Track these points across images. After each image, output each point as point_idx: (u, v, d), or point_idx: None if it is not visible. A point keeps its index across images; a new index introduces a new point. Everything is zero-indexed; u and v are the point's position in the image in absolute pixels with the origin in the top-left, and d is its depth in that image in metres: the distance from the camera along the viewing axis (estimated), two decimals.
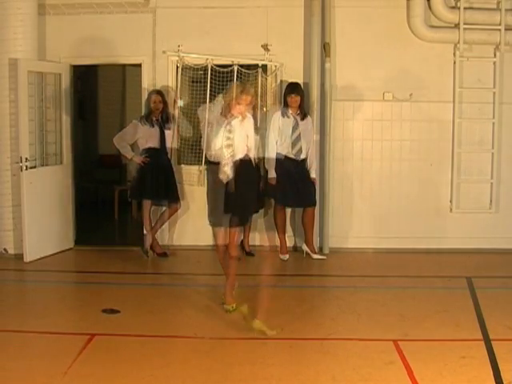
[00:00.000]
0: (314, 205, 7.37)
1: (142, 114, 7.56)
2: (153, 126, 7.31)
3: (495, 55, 7.62)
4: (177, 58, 7.62)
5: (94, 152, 10.97)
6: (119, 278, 6.64)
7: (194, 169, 7.59)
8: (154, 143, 7.34)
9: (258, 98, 7.53)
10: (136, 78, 8.57)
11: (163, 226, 7.62)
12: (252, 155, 5.54)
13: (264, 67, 7.64)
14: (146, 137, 7.35)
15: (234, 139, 5.33)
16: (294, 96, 7.19)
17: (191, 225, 7.75)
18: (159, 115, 7.35)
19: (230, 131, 5.34)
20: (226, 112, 5.44)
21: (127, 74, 10.73)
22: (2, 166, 7.25)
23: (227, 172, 5.33)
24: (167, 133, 7.37)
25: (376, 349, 4.67)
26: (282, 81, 7.66)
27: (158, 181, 7.29)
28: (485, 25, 7.53)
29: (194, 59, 7.61)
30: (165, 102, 7.42)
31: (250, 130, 5.53)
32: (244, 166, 5.41)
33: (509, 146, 7.77)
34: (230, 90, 5.51)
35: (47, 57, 7.64)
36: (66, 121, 7.66)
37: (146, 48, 7.71)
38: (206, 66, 7.54)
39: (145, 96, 7.75)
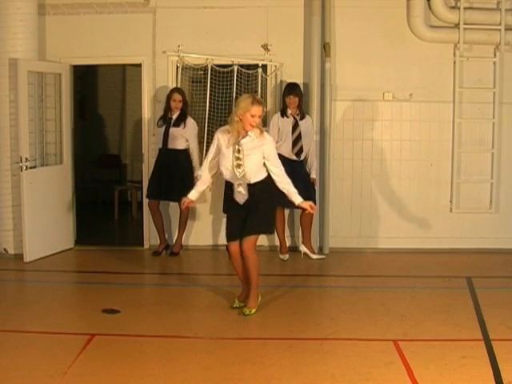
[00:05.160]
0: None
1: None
2: (162, 126, 7.32)
3: (495, 55, 7.62)
4: (177, 58, 7.62)
5: (94, 152, 10.97)
6: (119, 278, 6.63)
7: None
8: (159, 143, 7.36)
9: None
10: (136, 78, 8.59)
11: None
12: (281, 180, 5.36)
13: (264, 67, 7.64)
14: (157, 137, 7.41)
15: (243, 159, 5.24)
16: (293, 97, 7.19)
17: (191, 225, 7.74)
18: (177, 115, 7.27)
19: (239, 151, 5.25)
20: (239, 128, 5.26)
21: (127, 74, 10.73)
22: (2, 166, 7.24)
23: (242, 192, 5.32)
24: (178, 131, 7.27)
25: (376, 349, 4.67)
26: (281, 81, 7.66)
27: (160, 181, 7.28)
28: (485, 25, 7.53)
29: (194, 59, 7.61)
30: (185, 102, 7.32)
31: (267, 151, 5.31)
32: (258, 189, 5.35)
33: (509, 145, 7.77)
34: (239, 104, 5.29)
35: (47, 57, 7.63)
36: (66, 121, 7.65)
37: (146, 48, 7.70)
38: (206, 65, 7.56)
39: (145, 96, 7.76)
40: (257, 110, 5.22)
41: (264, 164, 5.37)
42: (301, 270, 7.09)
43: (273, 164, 5.37)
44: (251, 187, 5.33)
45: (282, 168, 5.43)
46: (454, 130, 7.71)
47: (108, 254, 7.55)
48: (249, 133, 5.29)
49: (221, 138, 5.36)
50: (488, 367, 4.30)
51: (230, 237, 5.48)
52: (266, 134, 5.43)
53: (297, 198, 5.43)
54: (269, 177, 5.43)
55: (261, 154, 5.30)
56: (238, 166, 5.26)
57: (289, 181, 5.41)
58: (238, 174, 5.28)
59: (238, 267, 5.53)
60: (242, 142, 5.28)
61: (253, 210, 5.34)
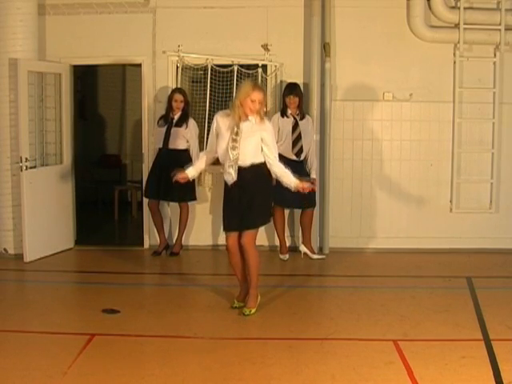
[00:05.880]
0: (314, 206, 7.36)
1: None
2: (163, 126, 7.33)
3: (495, 55, 7.62)
4: (177, 58, 7.62)
5: (94, 152, 10.97)
6: (119, 278, 6.64)
7: None
8: (159, 143, 7.36)
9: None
10: (136, 78, 8.59)
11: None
12: (275, 164, 5.38)
13: (264, 67, 7.64)
14: (156, 137, 7.43)
15: (239, 142, 5.26)
16: (293, 97, 7.19)
17: (191, 225, 7.74)
18: (179, 115, 7.29)
19: (237, 133, 5.27)
20: (240, 113, 5.28)
21: (127, 74, 10.73)
22: (2, 166, 7.25)
23: (232, 174, 5.31)
24: (180, 131, 7.28)
25: (376, 349, 4.67)
26: (281, 81, 7.66)
27: (160, 181, 7.26)
28: (485, 25, 7.53)
29: (194, 59, 7.62)
30: (187, 102, 7.35)
31: (267, 137, 5.34)
32: (252, 173, 5.34)
33: (509, 145, 7.77)
34: (241, 89, 5.35)
35: (47, 57, 7.63)
36: (66, 121, 7.66)
37: (146, 48, 7.70)
38: (206, 65, 7.56)
39: (145, 96, 7.76)
40: (257, 96, 5.25)
41: (262, 150, 5.37)
42: (301, 270, 7.09)
43: (269, 150, 5.37)
44: (245, 171, 5.31)
45: (277, 156, 5.44)
46: (454, 130, 7.71)
47: (108, 254, 7.56)
48: (249, 117, 5.30)
49: (220, 120, 5.39)
50: (488, 367, 4.30)
51: (228, 226, 5.44)
52: (266, 121, 5.44)
53: (292, 181, 5.41)
54: (265, 164, 5.41)
55: (258, 139, 5.32)
56: (233, 148, 5.27)
57: (280, 164, 5.40)
58: (231, 155, 5.28)
59: (236, 264, 5.51)
60: (242, 125, 5.29)
61: (250, 202, 5.33)
